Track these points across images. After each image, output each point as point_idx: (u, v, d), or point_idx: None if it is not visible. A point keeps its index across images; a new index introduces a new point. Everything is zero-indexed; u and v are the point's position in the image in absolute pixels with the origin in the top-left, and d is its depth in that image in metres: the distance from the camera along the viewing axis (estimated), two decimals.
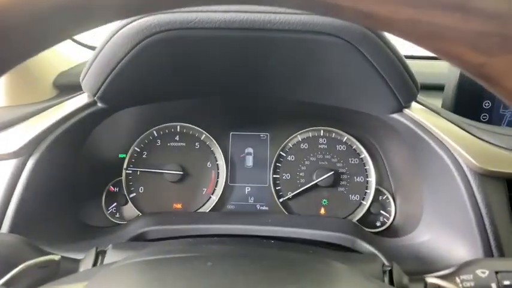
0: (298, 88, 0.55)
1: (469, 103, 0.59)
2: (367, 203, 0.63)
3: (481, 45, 0.16)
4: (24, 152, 0.49)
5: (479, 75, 0.18)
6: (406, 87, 0.48)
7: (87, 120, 0.53)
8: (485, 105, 0.59)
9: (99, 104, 0.51)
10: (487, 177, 0.46)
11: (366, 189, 0.63)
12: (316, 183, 0.62)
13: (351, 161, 0.64)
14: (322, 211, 0.63)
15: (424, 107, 0.53)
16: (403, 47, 0.41)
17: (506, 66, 0.17)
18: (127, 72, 0.47)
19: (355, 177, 0.64)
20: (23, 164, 0.48)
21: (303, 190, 0.63)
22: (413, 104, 0.52)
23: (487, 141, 0.48)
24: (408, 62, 0.47)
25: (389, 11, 0.16)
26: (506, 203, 0.46)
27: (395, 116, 0.51)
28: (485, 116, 0.60)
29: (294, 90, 0.56)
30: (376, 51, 0.43)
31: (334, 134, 0.65)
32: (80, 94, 0.53)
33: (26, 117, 0.54)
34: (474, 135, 0.49)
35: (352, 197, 0.63)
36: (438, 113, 0.52)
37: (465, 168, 0.46)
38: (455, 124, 0.49)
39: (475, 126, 0.51)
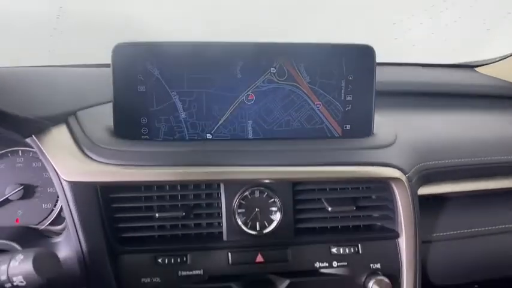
0: None
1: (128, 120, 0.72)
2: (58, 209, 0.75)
3: None
4: None
5: None
6: None
7: None
8: (142, 121, 0.73)
9: None
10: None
11: (57, 197, 0.75)
12: (7, 198, 0.73)
13: (45, 175, 0.76)
14: (17, 221, 0.74)
15: None
16: None
17: None
18: None
19: (48, 189, 0.76)
20: None
21: None
22: None
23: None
24: None
25: None
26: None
27: None
28: (145, 129, 0.74)
29: None
30: None
31: (31, 154, 0.76)
32: None
33: None
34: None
35: (45, 205, 0.75)
36: None
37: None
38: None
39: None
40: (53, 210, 0.74)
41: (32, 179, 0.74)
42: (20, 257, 0.46)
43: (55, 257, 0.49)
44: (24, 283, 0.45)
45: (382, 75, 0.78)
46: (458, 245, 0.77)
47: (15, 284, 0.45)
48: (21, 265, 0.46)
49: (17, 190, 0.72)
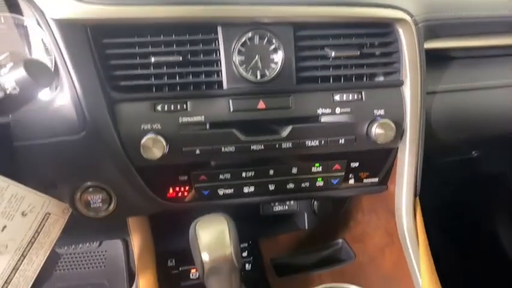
0: None
1: None
2: None
3: None
4: None
5: None
6: None
7: None
8: None
9: None
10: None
11: None
12: None
13: (32, 40, 0.72)
14: None
15: None
16: None
17: None
18: None
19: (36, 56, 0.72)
20: None
21: None
22: None
23: None
24: None
25: None
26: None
27: None
28: None
29: None
30: None
31: (16, 20, 0.71)
32: None
33: None
34: None
35: None
36: None
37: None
38: None
39: None
40: None
41: (18, 47, 0.70)
42: (10, 64, 0.44)
43: (46, 65, 0.47)
44: (18, 90, 0.43)
45: None
46: (462, 98, 0.76)
47: (8, 92, 0.43)
48: (12, 71, 0.44)
49: (3, 56, 0.68)
